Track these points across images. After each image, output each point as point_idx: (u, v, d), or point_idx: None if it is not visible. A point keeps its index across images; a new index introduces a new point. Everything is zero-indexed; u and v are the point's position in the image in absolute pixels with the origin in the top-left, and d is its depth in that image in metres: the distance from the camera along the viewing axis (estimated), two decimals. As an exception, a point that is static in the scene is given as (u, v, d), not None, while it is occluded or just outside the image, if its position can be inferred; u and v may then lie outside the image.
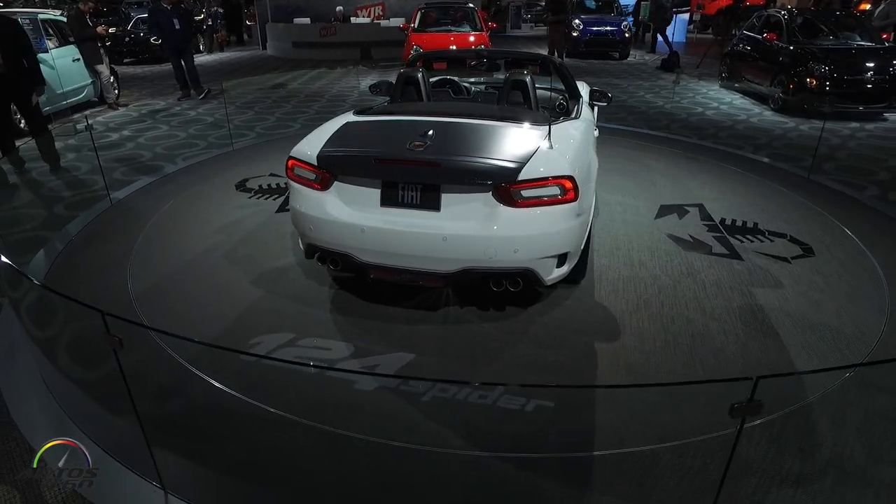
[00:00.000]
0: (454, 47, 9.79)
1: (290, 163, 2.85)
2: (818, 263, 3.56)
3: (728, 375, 2.49)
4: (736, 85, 9.65)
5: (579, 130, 3.16)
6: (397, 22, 13.09)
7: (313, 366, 2.49)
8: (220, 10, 17.37)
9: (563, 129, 3.00)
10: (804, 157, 5.78)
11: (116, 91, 8.76)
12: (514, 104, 3.30)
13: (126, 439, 2.15)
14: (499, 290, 2.69)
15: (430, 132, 2.75)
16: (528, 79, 3.27)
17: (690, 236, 3.89)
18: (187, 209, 4.50)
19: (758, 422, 2.20)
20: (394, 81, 3.91)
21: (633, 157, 5.81)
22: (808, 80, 7.37)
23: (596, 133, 4.81)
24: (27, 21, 6.99)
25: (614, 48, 14.03)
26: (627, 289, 3.24)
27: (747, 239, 3.87)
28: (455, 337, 2.83)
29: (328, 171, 2.74)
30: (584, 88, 4.84)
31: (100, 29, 8.05)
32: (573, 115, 3.51)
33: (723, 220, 4.17)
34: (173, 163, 5.82)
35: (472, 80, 4.74)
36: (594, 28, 13.73)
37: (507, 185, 2.51)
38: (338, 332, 2.87)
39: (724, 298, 3.14)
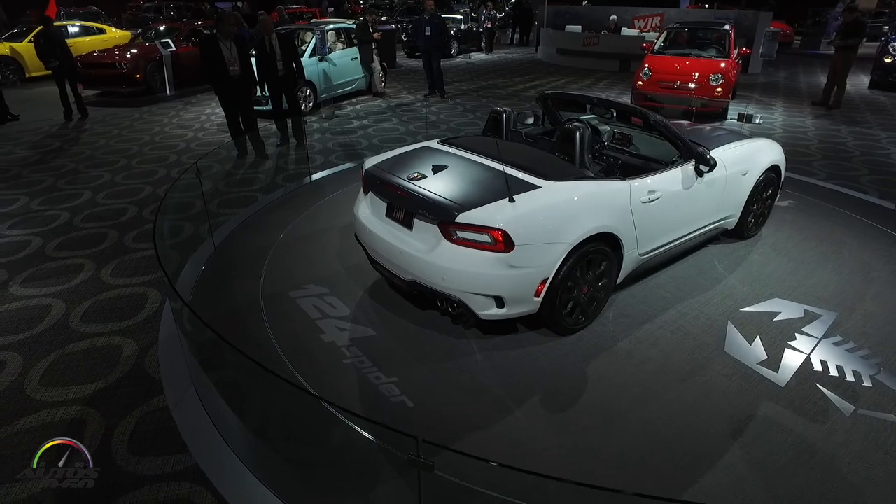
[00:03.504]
0: (696, 73, 9.18)
1: (361, 170, 3.71)
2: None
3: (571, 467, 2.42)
4: None
5: (583, 192, 3.14)
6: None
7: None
8: (497, 14, 19.11)
9: (561, 188, 3.11)
10: None
11: (383, 83, 10.79)
12: (567, 154, 3.47)
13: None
14: (442, 307, 3.23)
15: (446, 167, 3.36)
16: (577, 133, 3.37)
17: (759, 338, 3.35)
18: (354, 194, 5.65)
19: None
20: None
21: (827, 234, 4.74)
22: None
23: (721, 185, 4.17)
24: (318, 32, 9.22)
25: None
26: (605, 359, 3.16)
27: (836, 368, 3.10)
28: (415, 334, 3.39)
29: (365, 182, 3.56)
30: (759, 147, 4.38)
31: (376, 35, 10.06)
32: (638, 176, 3.45)
33: (836, 342, 3.33)
34: (376, 154, 7.14)
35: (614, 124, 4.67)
36: (917, 58, 10.97)
37: (446, 223, 2.94)
38: (352, 301, 3.75)
39: (705, 411, 2.77)
